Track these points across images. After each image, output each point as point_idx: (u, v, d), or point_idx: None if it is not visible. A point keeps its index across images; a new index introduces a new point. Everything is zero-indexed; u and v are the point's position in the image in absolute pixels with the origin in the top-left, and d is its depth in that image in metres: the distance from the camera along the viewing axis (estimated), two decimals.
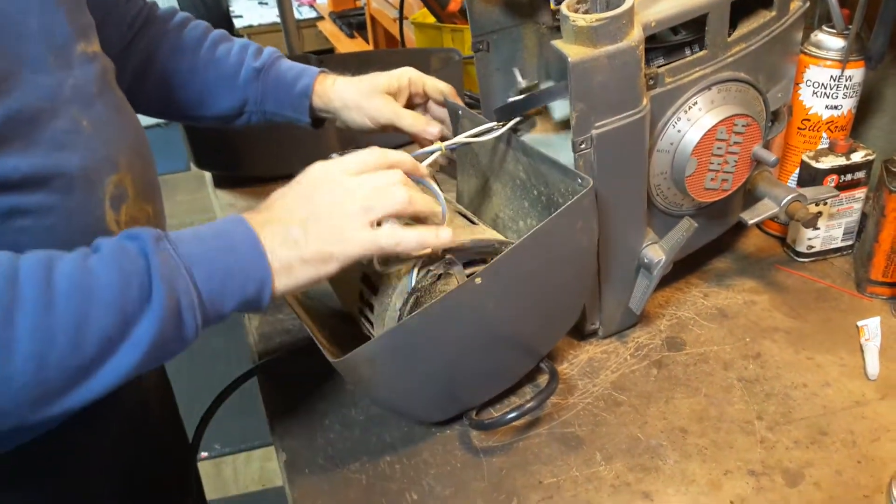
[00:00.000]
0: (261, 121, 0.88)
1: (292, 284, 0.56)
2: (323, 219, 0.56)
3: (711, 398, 0.72)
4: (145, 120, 0.94)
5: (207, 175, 1.24)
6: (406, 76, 0.85)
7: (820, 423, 0.68)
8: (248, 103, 0.86)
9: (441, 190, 0.81)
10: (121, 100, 0.67)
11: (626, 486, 0.64)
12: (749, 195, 0.81)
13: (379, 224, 0.57)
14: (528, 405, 0.66)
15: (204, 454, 1.87)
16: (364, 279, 0.68)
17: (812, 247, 0.87)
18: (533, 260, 0.63)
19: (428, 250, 0.60)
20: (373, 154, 0.60)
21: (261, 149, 1.15)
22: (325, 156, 1.19)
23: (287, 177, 1.26)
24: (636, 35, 0.62)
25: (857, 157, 0.81)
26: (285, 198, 0.58)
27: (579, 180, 0.66)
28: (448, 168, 1.12)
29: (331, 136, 1.15)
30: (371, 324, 0.67)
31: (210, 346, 2.11)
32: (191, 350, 0.56)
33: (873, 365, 0.72)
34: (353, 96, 0.82)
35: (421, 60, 1.33)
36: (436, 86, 0.85)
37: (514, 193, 0.78)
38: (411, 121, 0.81)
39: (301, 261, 0.55)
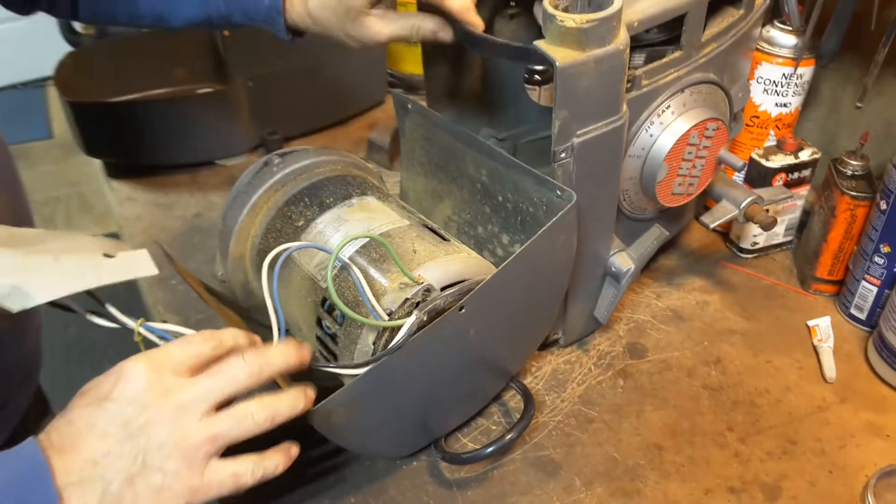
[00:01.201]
0: (237, 28, 0.77)
1: None
2: (157, 466, 0.43)
3: (681, 409, 0.70)
4: None
5: (97, 162, 1.10)
6: None
7: (787, 431, 0.68)
8: (213, 17, 0.74)
9: (383, 185, 0.74)
10: None
11: None
12: (702, 193, 0.80)
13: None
14: (509, 437, 0.61)
15: None
16: (324, 303, 0.60)
17: (756, 243, 0.87)
18: (515, 282, 0.58)
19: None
20: (205, 342, 0.47)
21: (164, 133, 1.03)
22: (237, 142, 1.09)
23: (194, 165, 1.13)
24: (623, 37, 0.58)
25: (804, 155, 0.81)
26: (99, 433, 0.43)
27: (558, 192, 0.61)
28: (381, 158, 1.05)
29: (243, 113, 1.04)
30: (333, 355, 0.60)
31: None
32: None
33: (830, 368, 0.73)
34: (332, 22, 0.68)
35: None
36: None
37: (473, 197, 0.72)
38: (408, 32, 0.67)
39: None
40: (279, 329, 0.51)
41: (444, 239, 0.63)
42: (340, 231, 0.62)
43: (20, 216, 0.61)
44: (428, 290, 0.56)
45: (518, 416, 0.65)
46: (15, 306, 0.43)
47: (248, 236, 0.68)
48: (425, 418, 0.62)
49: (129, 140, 1.03)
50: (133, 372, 0.44)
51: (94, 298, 0.49)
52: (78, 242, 0.50)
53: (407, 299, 0.55)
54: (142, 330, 0.49)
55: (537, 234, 0.57)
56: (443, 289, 0.57)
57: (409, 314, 0.55)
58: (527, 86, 0.86)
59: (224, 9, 0.73)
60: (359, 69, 1.14)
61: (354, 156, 0.74)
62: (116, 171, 1.07)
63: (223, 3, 0.72)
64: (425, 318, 0.54)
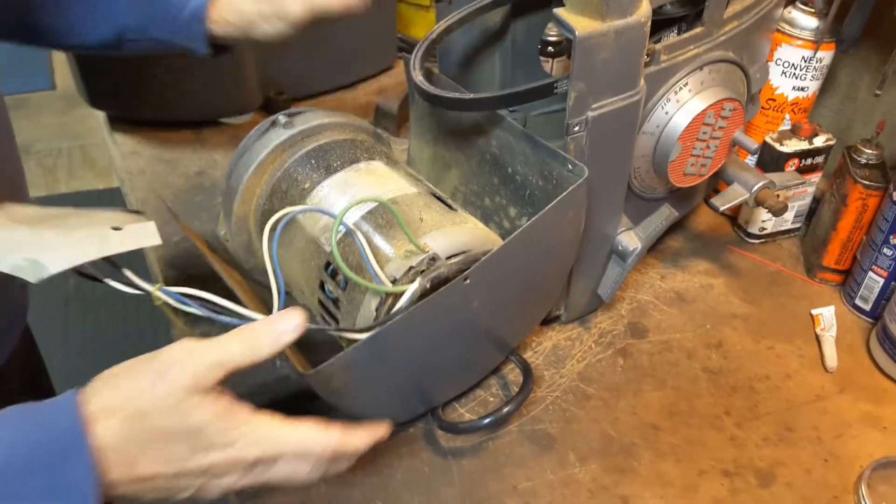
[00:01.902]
0: (148, 51, 0.72)
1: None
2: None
3: (679, 391, 0.70)
4: None
5: (101, 116, 1.08)
6: None
7: (785, 418, 0.68)
8: (129, 30, 0.70)
9: (391, 152, 0.72)
10: None
11: (604, 490, 0.62)
12: (713, 176, 0.79)
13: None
14: (506, 409, 0.61)
15: None
16: (327, 267, 0.60)
17: (764, 229, 0.86)
18: (521, 255, 0.57)
19: None
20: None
21: (169, 87, 1.01)
22: (243, 100, 1.07)
23: (198, 122, 1.10)
24: (645, 9, 0.56)
25: (818, 141, 0.80)
26: (160, 461, 0.43)
27: (570, 166, 0.60)
28: (389, 124, 1.03)
29: (250, 71, 1.02)
30: (335, 319, 0.60)
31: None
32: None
33: (832, 357, 0.72)
34: (257, 7, 0.66)
35: None
36: None
37: (482, 168, 0.71)
38: (337, 2, 0.66)
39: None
40: (279, 293, 0.51)
41: (451, 208, 0.62)
42: (347, 195, 0.61)
43: (9, 165, 0.59)
44: (433, 258, 0.55)
45: (516, 390, 0.65)
46: (32, 278, 0.45)
47: (253, 196, 0.67)
48: (424, 386, 0.62)
49: (134, 93, 1.01)
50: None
51: (113, 265, 0.50)
52: (95, 218, 0.52)
53: (411, 267, 0.54)
54: (160, 294, 0.49)
55: (546, 209, 0.56)
56: (448, 258, 0.56)
57: (413, 282, 0.54)
58: (540, 57, 0.85)
59: (140, 21, 0.69)
60: (368, 32, 1.13)
61: (363, 120, 0.73)
62: (120, 124, 1.06)
63: (141, 14, 0.68)
64: (428, 286, 0.53)
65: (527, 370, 0.65)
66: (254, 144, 0.67)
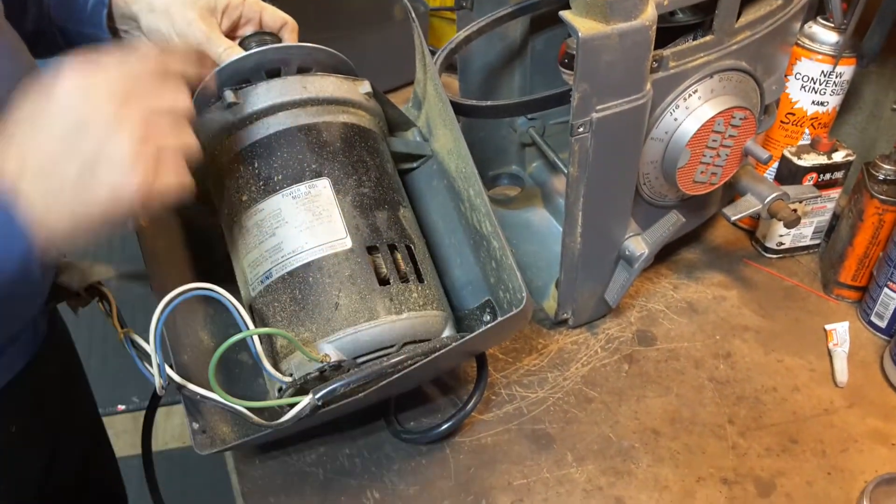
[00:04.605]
0: (67, 48, 0.69)
1: (73, 244, 0.46)
2: (91, 171, 0.43)
3: (683, 398, 0.70)
4: None
5: None
6: None
7: (790, 430, 0.67)
8: (48, 20, 0.68)
9: (378, 125, 0.68)
10: (13, 43, 0.56)
11: (599, 491, 0.62)
12: (728, 187, 0.79)
13: None
14: (463, 412, 0.63)
15: (121, 407, 1.77)
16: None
17: (782, 244, 0.85)
18: (419, 374, 0.57)
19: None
20: (147, 61, 0.46)
21: None
22: None
23: None
24: (650, 14, 0.57)
25: (838, 156, 0.80)
26: (40, 136, 0.44)
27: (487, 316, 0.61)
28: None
29: None
30: None
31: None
32: None
33: (842, 372, 0.71)
34: (164, 1, 0.64)
35: (381, 7, 1.25)
36: (277, 16, 0.68)
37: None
38: (222, 51, 0.63)
39: (75, 222, 0.44)
40: (159, 371, 0.53)
41: (386, 279, 0.57)
42: (276, 235, 0.57)
43: None
44: (338, 366, 0.54)
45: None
46: None
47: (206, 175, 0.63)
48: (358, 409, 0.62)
49: None
50: (68, 88, 0.44)
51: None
52: None
53: (309, 373, 0.54)
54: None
55: (452, 345, 0.55)
56: (356, 358, 0.55)
57: (308, 388, 0.54)
58: (562, 69, 0.87)
59: (57, 5, 0.67)
60: (399, 44, 1.15)
61: (340, 81, 0.65)
62: None
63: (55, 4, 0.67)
64: (320, 403, 0.53)
65: (482, 364, 0.65)
66: (197, 122, 0.60)
